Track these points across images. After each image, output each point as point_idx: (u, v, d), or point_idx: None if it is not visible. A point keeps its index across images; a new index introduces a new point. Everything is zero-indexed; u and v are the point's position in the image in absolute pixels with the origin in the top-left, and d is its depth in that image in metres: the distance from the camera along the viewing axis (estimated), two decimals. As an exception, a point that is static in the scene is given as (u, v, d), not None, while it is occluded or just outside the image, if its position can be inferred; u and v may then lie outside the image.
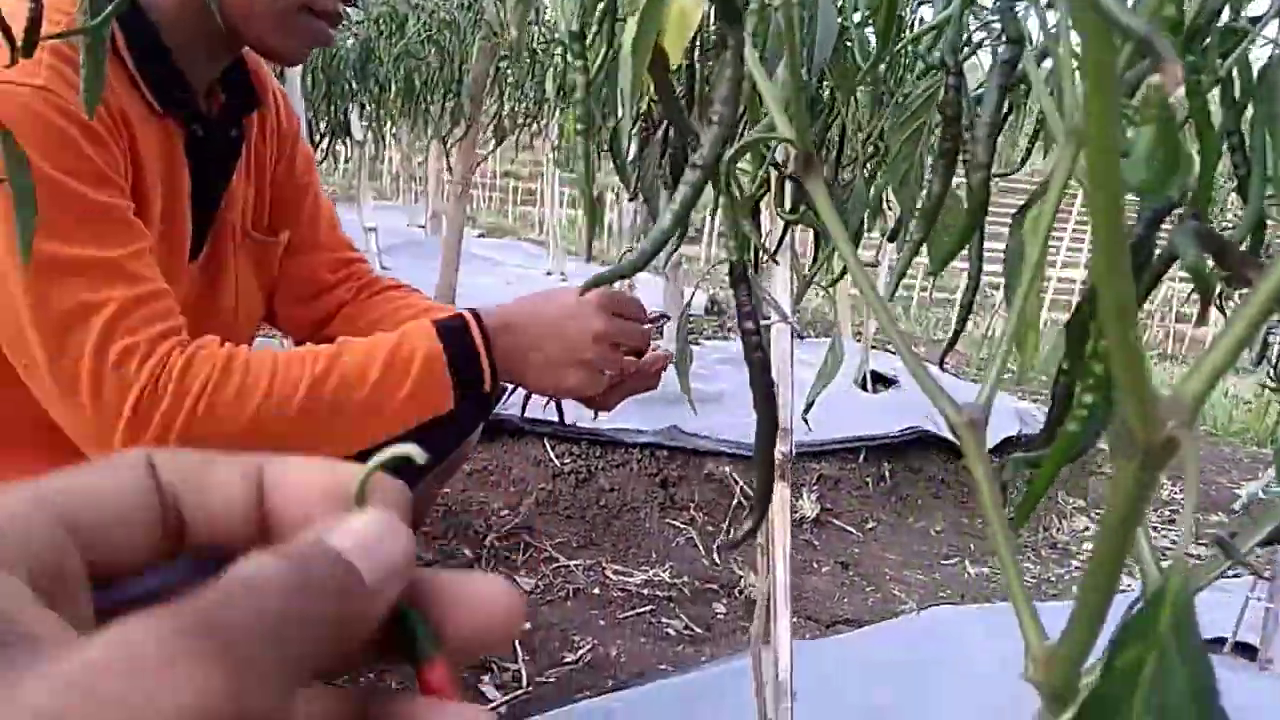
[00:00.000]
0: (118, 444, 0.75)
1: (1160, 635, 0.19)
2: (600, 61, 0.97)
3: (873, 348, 3.23)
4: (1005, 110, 0.34)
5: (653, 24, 0.27)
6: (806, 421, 0.82)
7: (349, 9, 0.96)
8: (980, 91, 0.43)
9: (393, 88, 2.69)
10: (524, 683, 1.54)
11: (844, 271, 0.96)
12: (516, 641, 1.64)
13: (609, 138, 0.92)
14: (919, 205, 0.52)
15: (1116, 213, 0.17)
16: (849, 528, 2.38)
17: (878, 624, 1.82)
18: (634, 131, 1.15)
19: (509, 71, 2.71)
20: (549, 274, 5.10)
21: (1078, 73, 0.33)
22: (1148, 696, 0.19)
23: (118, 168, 0.80)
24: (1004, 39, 0.34)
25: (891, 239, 0.86)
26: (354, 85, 2.73)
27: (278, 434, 0.78)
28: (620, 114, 0.30)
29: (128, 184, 0.82)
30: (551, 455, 2.24)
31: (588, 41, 0.83)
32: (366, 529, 0.23)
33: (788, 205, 0.92)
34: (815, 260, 0.99)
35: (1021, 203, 0.39)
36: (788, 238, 0.93)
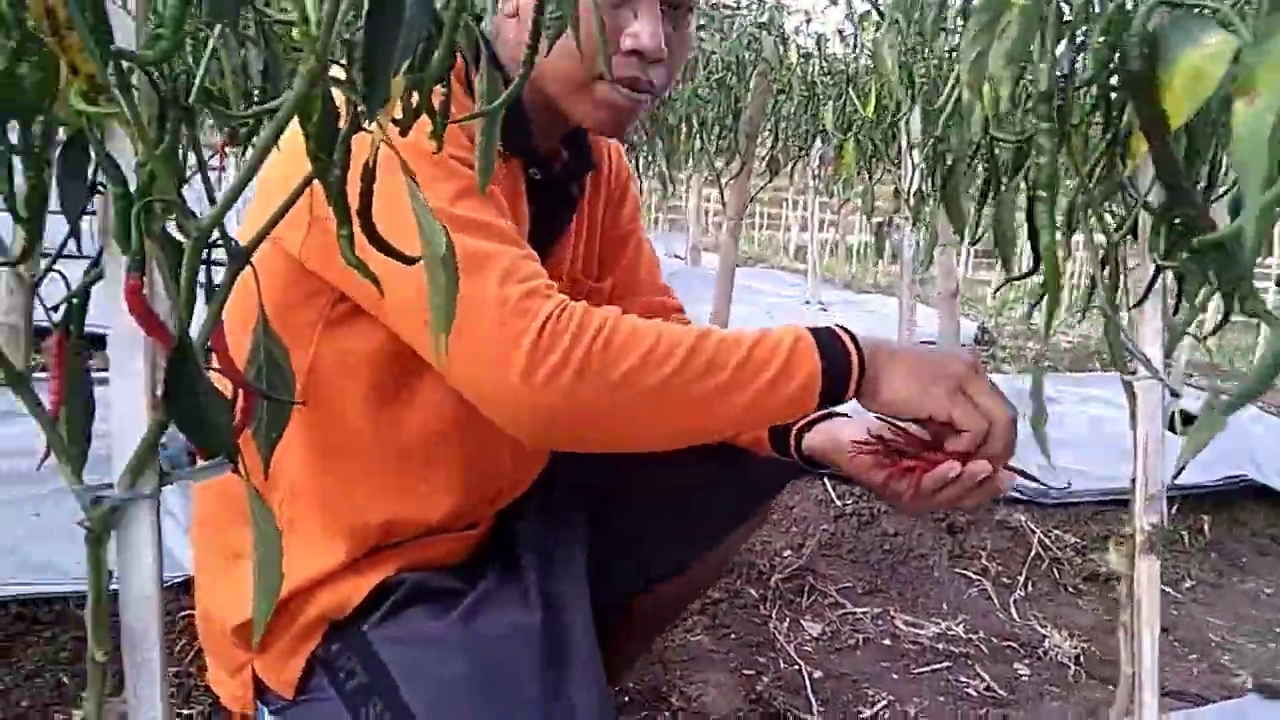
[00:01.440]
0: (517, 370, 0.75)
1: None
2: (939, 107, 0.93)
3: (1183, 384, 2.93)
4: None
5: (1275, 103, 0.23)
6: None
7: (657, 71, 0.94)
8: None
9: (681, 130, 2.76)
10: (819, 735, 1.50)
11: (1225, 321, 0.86)
12: (810, 690, 1.60)
13: (943, 187, 0.88)
14: None
15: None
16: (1164, 587, 2.15)
17: (1227, 702, 1.62)
18: (965, 174, 1.09)
19: (782, 106, 2.72)
20: (807, 303, 5.04)
21: None
22: None
23: None
24: None
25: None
26: (646, 133, 2.84)
27: (647, 390, 0.78)
28: (1248, 203, 0.26)
29: None
30: (833, 496, 2.18)
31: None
32: None
33: (1162, 248, 0.83)
34: (1177, 307, 0.89)
35: None
36: (1158, 283, 0.85)
